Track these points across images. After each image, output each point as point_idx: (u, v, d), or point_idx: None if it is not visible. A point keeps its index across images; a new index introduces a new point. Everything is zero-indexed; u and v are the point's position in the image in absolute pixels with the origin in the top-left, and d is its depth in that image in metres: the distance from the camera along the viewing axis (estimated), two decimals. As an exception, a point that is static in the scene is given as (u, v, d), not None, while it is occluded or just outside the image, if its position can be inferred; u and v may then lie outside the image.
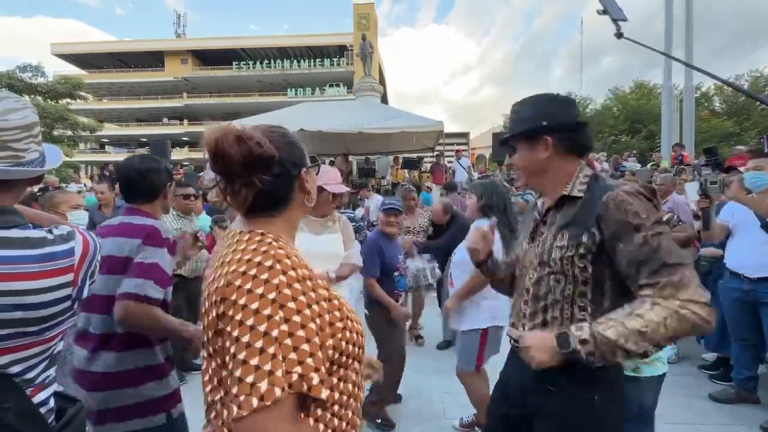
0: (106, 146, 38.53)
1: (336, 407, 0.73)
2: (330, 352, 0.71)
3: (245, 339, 0.61)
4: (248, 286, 0.64)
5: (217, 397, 0.70)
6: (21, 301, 0.80)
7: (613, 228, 1.00)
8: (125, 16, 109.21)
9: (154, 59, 36.65)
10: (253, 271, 0.66)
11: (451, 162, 10.50)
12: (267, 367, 0.60)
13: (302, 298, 0.67)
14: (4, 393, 0.80)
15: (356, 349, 0.77)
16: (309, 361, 0.63)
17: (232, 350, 0.62)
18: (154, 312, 1.32)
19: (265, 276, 0.65)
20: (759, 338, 2.69)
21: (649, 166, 9.32)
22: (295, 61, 35.48)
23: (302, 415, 0.68)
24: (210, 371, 0.72)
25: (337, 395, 0.73)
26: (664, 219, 3.20)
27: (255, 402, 0.58)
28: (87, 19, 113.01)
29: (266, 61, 35.61)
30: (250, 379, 0.59)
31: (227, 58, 35.74)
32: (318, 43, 34.95)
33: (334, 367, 0.73)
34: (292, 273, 0.68)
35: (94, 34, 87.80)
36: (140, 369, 1.36)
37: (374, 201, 6.21)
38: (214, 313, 0.68)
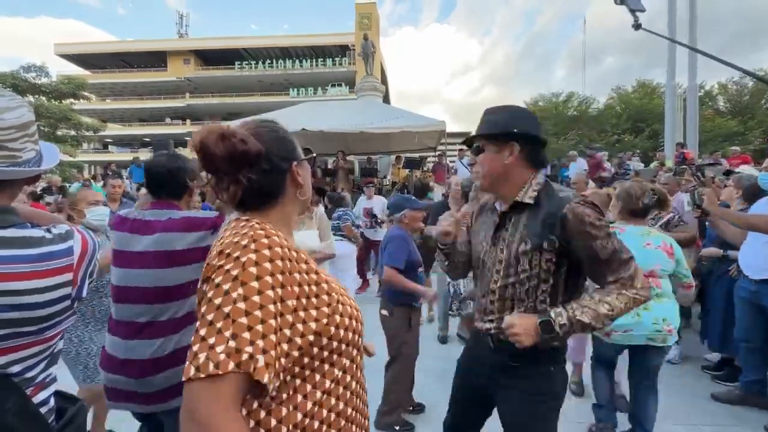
0: (109, 146, 38.70)
1: (318, 393, 0.73)
2: (311, 337, 0.70)
3: (203, 310, 0.64)
4: (220, 262, 0.66)
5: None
6: (19, 301, 0.80)
7: (576, 236, 1.17)
8: (127, 16, 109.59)
9: (156, 59, 36.77)
10: (228, 250, 0.67)
11: (453, 161, 10.46)
12: (211, 340, 0.59)
13: (268, 278, 0.65)
14: (4, 393, 0.80)
15: (349, 334, 0.78)
16: (259, 342, 0.61)
17: (197, 326, 0.64)
18: None
19: (237, 253, 0.66)
20: (765, 341, 2.66)
21: (652, 165, 9.28)
22: (297, 61, 35.52)
23: (255, 404, 0.67)
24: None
25: (319, 378, 0.73)
26: (666, 219, 3.19)
27: (192, 371, 0.58)
28: (89, 20, 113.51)
29: (268, 61, 35.67)
30: (195, 348, 0.60)
31: (229, 58, 35.81)
32: (320, 43, 34.97)
33: (319, 351, 0.73)
34: (265, 251, 0.67)
35: (96, 34, 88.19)
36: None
37: (377, 202, 6.18)
38: (200, 294, 0.70)
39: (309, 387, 0.72)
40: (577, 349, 2.93)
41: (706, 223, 3.07)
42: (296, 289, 0.70)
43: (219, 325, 0.60)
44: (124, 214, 1.52)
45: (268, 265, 0.66)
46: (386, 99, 18.25)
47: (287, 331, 0.67)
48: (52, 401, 0.93)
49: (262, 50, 35.93)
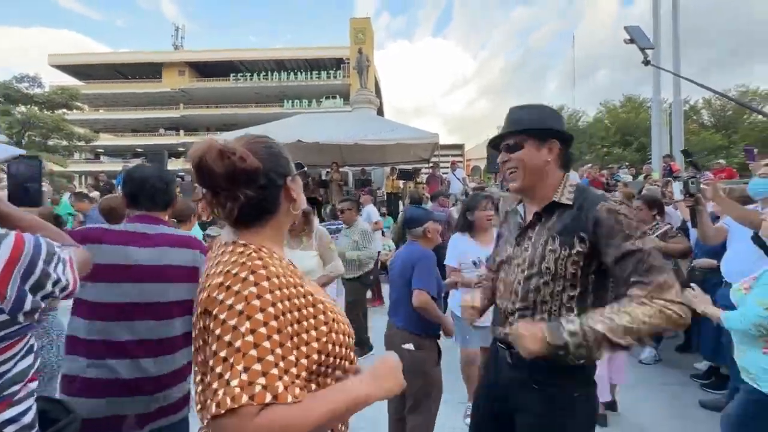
0: (101, 156, 38.43)
1: None
2: (315, 356, 0.74)
3: (214, 348, 0.65)
4: (222, 296, 0.67)
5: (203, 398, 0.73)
6: None
7: (607, 233, 1.07)
8: (125, 28, 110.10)
9: (151, 70, 36.91)
10: (228, 283, 0.68)
11: (446, 173, 10.60)
12: (227, 375, 0.62)
13: (271, 309, 0.68)
14: None
15: (343, 350, 0.81)
16: (273, 371, 0.64)
17: (210, 363, 0.65)
18: None
19: (237, 287, 0.67)
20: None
21: (641, 178, 9.49)
22: (292, 73, 35.87)
23: None
24: (198, 374, 0.75)
25: (315, 389, 0.76)
26: (663, 230, 3.26)
27: (213, 408, 0.61)
28: (86, 31, 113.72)
29: (263, 73, 35.98)
30: (214, 385, 0.63)
31: (225, 70, 36.09)
32: (315, 56, 35.44)
33: (322, 368, 0.76)
34: (264, 283, 0.69)
35: (92, 45, 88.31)
36: (188, 364, 1.46)
37: (365, 210, 6.15)
38: (201, 324, 0.71)
39: None
40: (616, 366, 2.68)
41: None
42: (296, 314, 0.72)
43: (232, 360, 0.63)
44: (107, 227, 1.43)
45: (269, 296, 0.68)
46: (380, 112, 18.47)
47: (293, 356, 0.69)
48: (27, 418, 0.88)
49: (257, 62, 36.28)
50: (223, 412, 0.60)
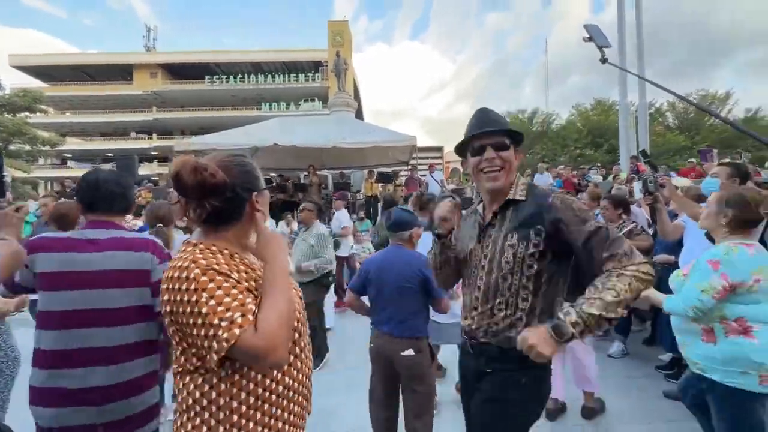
0: (69, 161, 36.78)
1: (267, 381, 0.90)
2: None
3: (192, 322, 0.81)
4: (177, 286, 0.83)
5: (182, 384, 0.88)
6: None
7: (567, 221, 1.18)
8: (93, 27, 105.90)
9: (121, 72, 35.68)
10: (176, 274, 0.84)
11: (424, 175, 10.70)
12: (210, 332, 0.79)
13: (219, 277, 0.83)
14: None
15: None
16: (235, 303, 0.81)
17: (194, 339, 0.82)
18: None
19: (184, 274, 0.83)
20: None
21: (610, 178, 9.86)
22: (269, 76, 35.43)
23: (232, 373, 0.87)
24: (177, 361, 0.90)
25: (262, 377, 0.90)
26: (629, 228, 3.41)
27: (214, 358, 0.79)
28: (51, 30, 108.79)
29: (240, 76, 35.38)
30: (205, 343, 0.80)
31: (199, 72, 35.28)
32: (292, 59, 35.15)
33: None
34: (203, 261, 0.85)
35: (58, 45, 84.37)
36: (148, 374, 1.40)
37: (336, 215, 6.10)
38: (167, 320, 0.87)
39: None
40: (579, 378, 2.75)
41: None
42: (241, 275, 0.88)
43: (207, 320, 0.79)
44: (52, 235, 1.41)
45: (212, 271, 0.84)
46: (359, 114, 18.50)
47: (240, 290, 0.85)
48: None
49: (233, 65, 35.64)
50: (224, 352, 0.77)
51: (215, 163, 0.90)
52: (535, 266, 1.22)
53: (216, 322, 0.78)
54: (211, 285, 0.82)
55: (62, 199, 4.04)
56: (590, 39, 1.90)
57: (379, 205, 9.24)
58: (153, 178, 13.91)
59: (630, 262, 1.10)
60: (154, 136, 35.74)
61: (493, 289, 1.27)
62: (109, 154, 32.94)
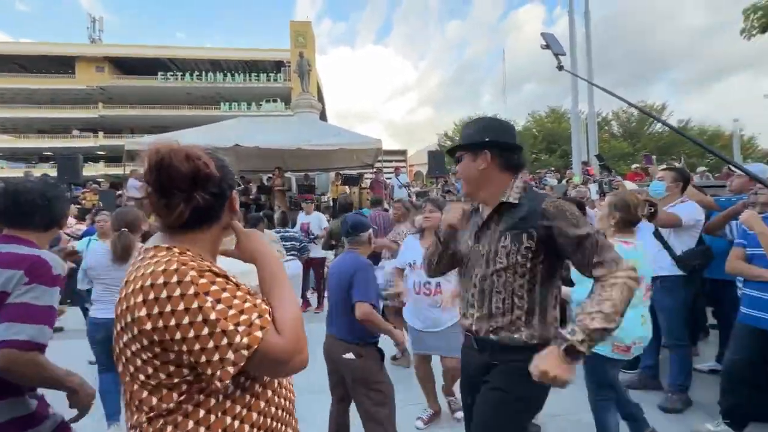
0: (-2, 161, 33.25)
1: (269, 394, 0.81)
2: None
3: (191, 335, 0.68)
4: (169, 294, 0.69)
5: (141, 419, 0.72)
6: None
7: (558, 227, 1.22)
8: (28, 14, 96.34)
9: (62, 64, 32.79)
10: (159, 280, 0.70)
11: (389, 178, 10.77)
12: (224, 342, 0.68)
13: (220, 279, 0.74)
14: None
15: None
16: (248, 304, 0.73)
17: (188, 347, 0.68)
18: (39, 359, 1.14)
19: (176, 278, 0.70)
20: (655, 331, 3.10)
21: (564, 182, 10.46)
22: (228, 75, 34.13)
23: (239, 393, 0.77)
24: (130, 394, 0.73)
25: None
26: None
27: (230, 369, 0.68)
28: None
29: (196, 73, 33.79)
30: (215, 357, 0.67)
31: (152, 67, 33.26)
32: (254, 58, 34.13)
33: None
34: (193, 263, 0.74)
35: (-16, 32, 75.97)
36: (12, 421, 1.15)
37: (313, 218, 6.07)
38: (129, 335, 0.71)
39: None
40: None
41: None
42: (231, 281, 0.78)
43: (218, 328, 0.68)
44: None
45: (209, 273, 0.74)
46: (323, 116, 18.30)
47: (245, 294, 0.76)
48: None
49: (189, 61, 33.96)
50: (243, 362, 0.67)
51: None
52: (528, 266, 1.27)
53: (231, 327, 0.68)
54: (214, 287, 0.71)
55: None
56: (547, 46, 1.99)
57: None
58: (98, 179, 12.88)
59: (619, 269, 1.15)
60: (100, 134, 33.17)
61: (489, 289, 1.32)
62: (48, 153, 30.17)
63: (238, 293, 0.73)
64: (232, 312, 0.69)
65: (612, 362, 2.08)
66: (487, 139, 1.36)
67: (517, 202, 1.32)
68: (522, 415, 1.33)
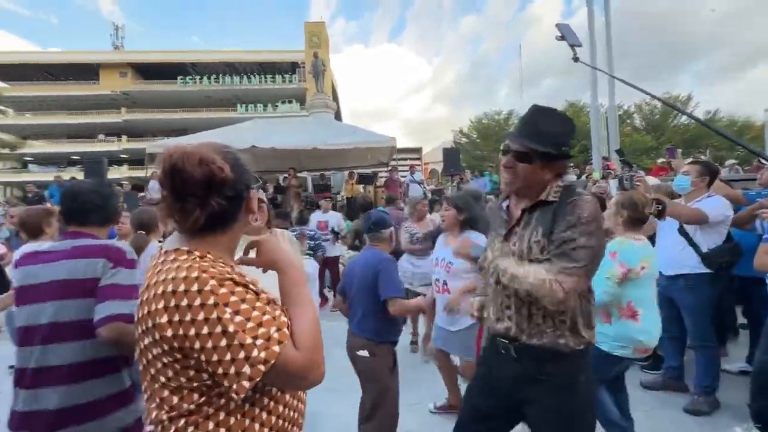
0: (30, 165, 34.82)
1: (280, 407, 0.80)
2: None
3: (209, 345, 0.68)
4: (187, 302, 0.68)
5: (161, 417, 0.73)
6: None
7: (561, 218, 1.22)
8: (58, 26, 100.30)
9: (87, 72, 34.06)
10: (180, 287, 0.70)
11: (404, 176, 10.74)
12: (241, 355, 0.67)
13: (239, 288, 0.73)
14: None
15: None
16: (267, 317, 0.72)
17: (207, 357, 0.68)
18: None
19: (195, 287, 0.70)
20: (680, 331, 2.99)
21: (584, 177, 10.20)
22: (245, 77, 34.70)
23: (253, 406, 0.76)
24: (150, 391, 0.75)
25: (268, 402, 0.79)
26: (605, 227, 3.53)
27: (246, 383, 0.67)
28: (12, 29, 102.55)
29: (214, 76, 34.48)
30: (231, 370, 0.67)
31: (171, 72, 34.13)
32: (268, 59, 34.55)
33: None
34: (213, 271, 0.73)
35: (21, 44, 79.52)
36: (110, 397, 1.27)
37: (332, 217, 6.09)
38: (150, 338, 0.72)
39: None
40: None
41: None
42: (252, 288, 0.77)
43: (236, 341, 0.67)
44: (34, 249, 1.42)
45: (230, 281, 0.72)
46: (338, 116, 18.39)
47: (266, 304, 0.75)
48: None
49: (207, 65, 34.70)
50: (260, 377, 0.67)
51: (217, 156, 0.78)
52: None
53: (249, 341, 0.67)
54: (234, 298, 0.70)
55: (19, 207, 3.81)
56: (562, 38, 1.93)
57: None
58: (122, 182, 13.34)
59: (557, 277, 1.14)
60: (124, 138, 34.31)
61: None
62: (75, 157, 31.41)
63: (257, 304, 0.72)
64: (250, 325, 0.69)
65: (612, 359, 2.03)
66: (563, 150, 1.28)
67: (556, 199, 1.27)
68: (592, 423, 1.31)
